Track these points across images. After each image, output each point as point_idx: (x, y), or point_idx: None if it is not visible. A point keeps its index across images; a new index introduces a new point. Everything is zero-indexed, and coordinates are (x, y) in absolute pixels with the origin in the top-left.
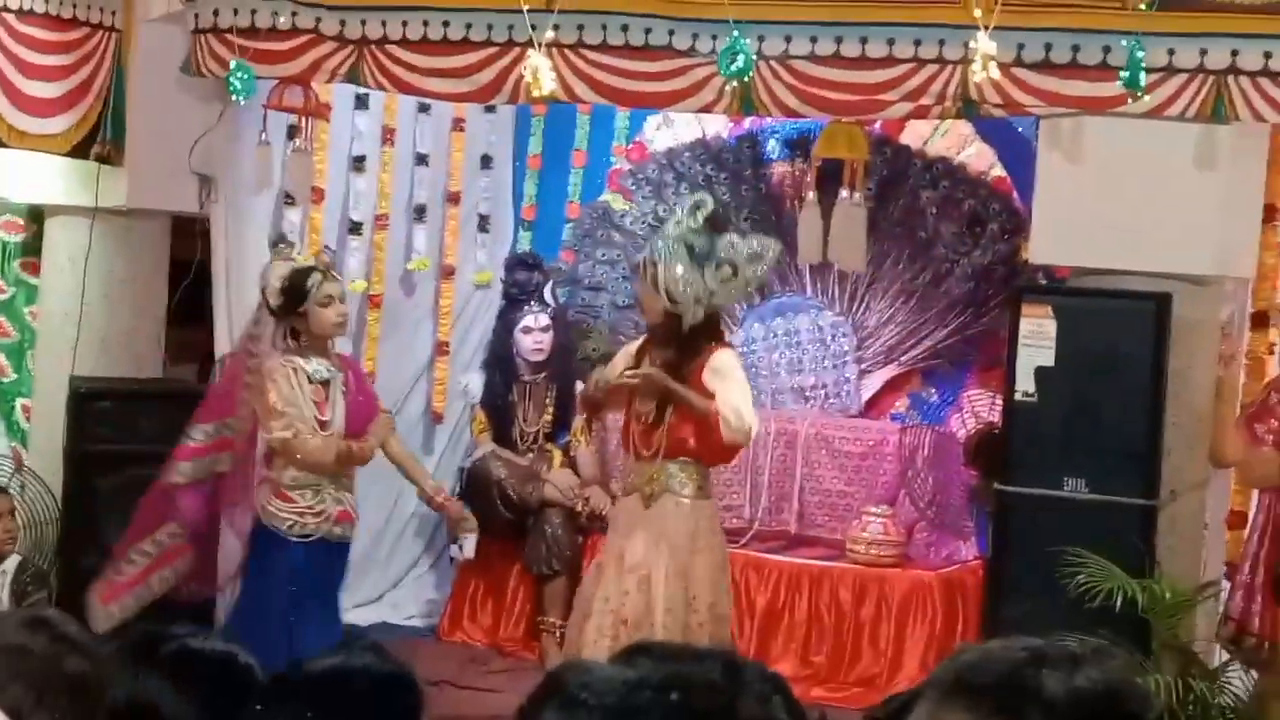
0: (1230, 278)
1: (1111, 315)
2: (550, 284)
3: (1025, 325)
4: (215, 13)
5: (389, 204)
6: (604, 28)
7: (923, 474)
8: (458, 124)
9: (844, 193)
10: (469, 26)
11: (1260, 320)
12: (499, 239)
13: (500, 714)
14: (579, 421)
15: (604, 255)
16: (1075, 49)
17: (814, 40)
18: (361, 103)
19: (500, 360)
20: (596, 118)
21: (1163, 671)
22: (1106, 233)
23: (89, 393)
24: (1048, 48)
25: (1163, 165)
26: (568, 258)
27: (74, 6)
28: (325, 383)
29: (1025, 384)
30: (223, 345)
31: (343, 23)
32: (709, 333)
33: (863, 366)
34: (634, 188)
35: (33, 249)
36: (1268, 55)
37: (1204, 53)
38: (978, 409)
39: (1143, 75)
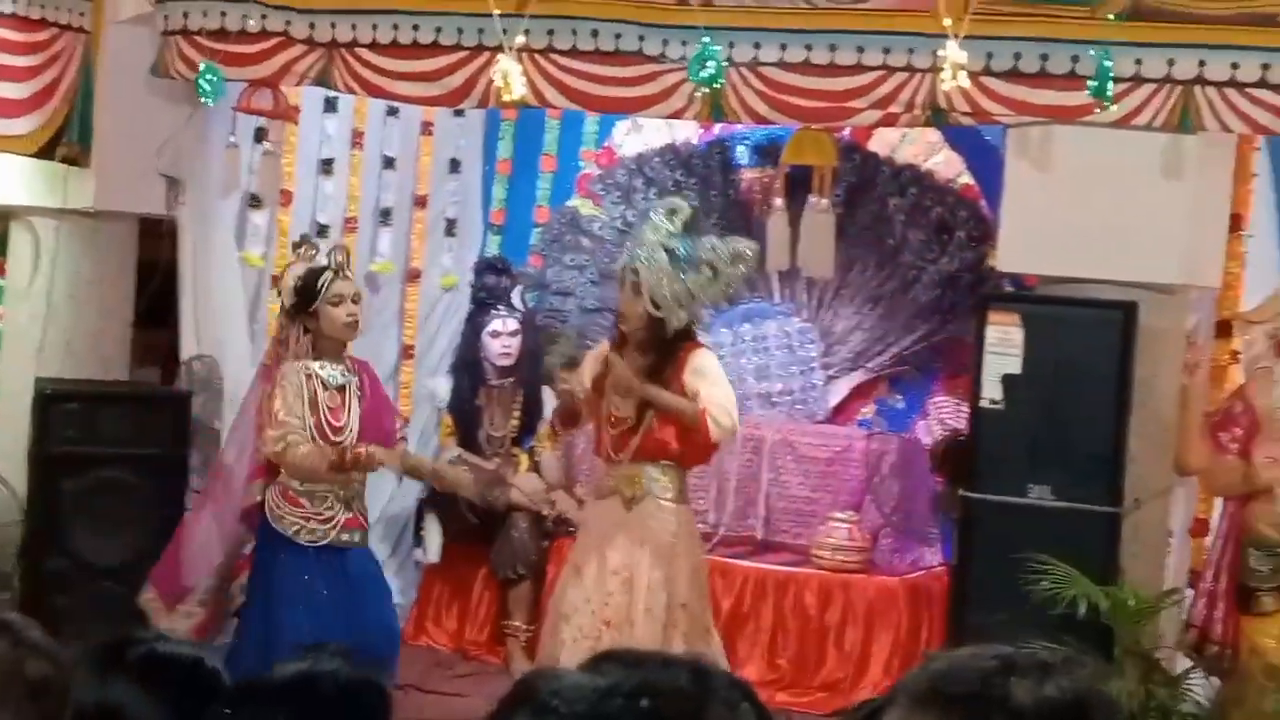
0: (1196, 286)
1: (1078, 323)
2: (518, 288)
3: (992, 333)
4: (185, 15)
5: (357, 207)
6: (574, 33)
7: (888, 480)
8: (426, 127)
9: (812, 199)
10: (439, 30)
11: (1225, 329)
12: (466, 243)
13: (465, 718)
14: (545, 426)
15: (572, 260)
16: (1044, 58)
17: (784, 47)
18: (330, 106)
19: (467, 364)
20: (566, 122)
21: (1125, 679)
22: (1073, 241)
23: (55, 395)
24: (1016, 57)
25: (1130, 175)
26: (536, 262)
27: (42, 7)
28: (341, 388)
29: (992, 391)
30: (189, 348)
31: (312, 26)
32: (685, 334)
33: (830, 373)
34: (603, 193)
35: None
36: (1234, 66)
37: (1171, 63)
38: (944, 416)
39: (1110, 85)
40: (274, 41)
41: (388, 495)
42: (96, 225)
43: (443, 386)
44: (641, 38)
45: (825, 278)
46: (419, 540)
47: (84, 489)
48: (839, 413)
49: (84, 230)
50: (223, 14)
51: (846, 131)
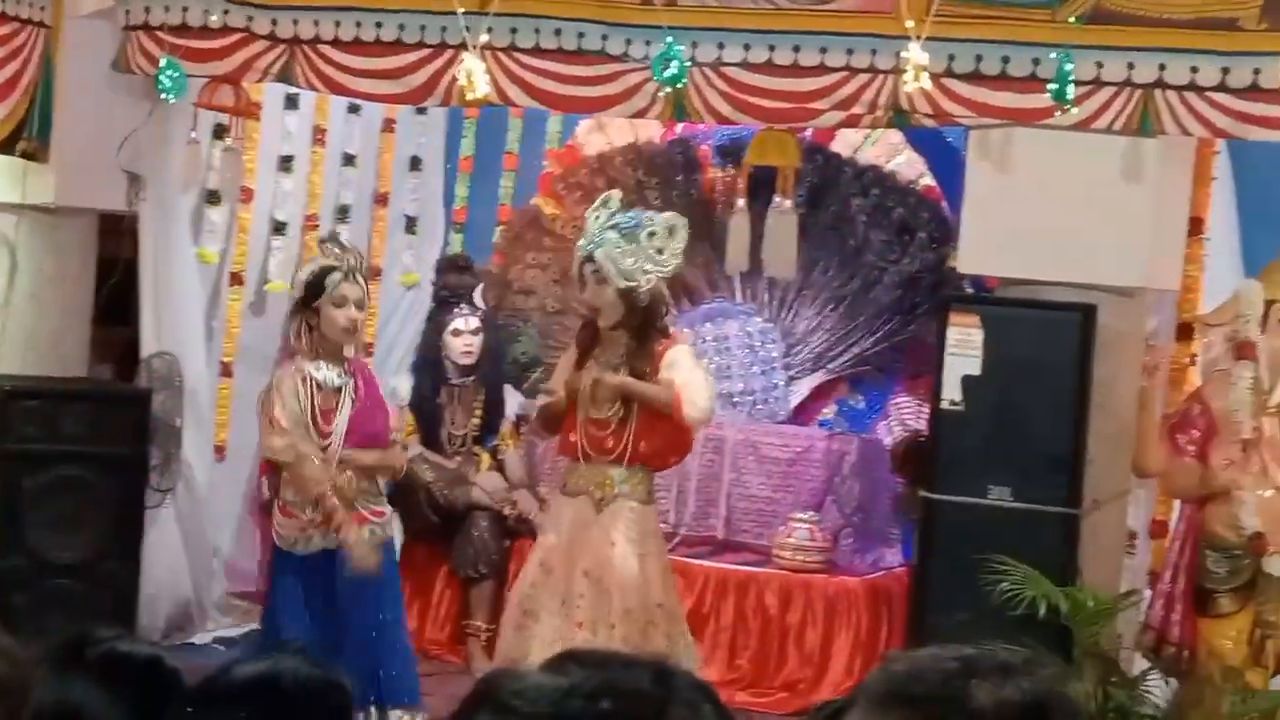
0: (1155, 289)
1: (1038, 325)
2: (480, 287)
3: (953, 334)
4: (146, 10)
5: (319, 204)
6: (537, 31)
7: (849, 481)
8: (388, 125)
9: (776, 200)
10: (401, 28)
11: (1185, 331)
12: (427, 240)
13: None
14: (507, 425)
15: (534, 259)
16: (1005, 60)
17: (747, 48)
18: (292, 102)
19: (429, 363)
20: (529, 121)
21: (1084, 679)
22: (1034, 243)
23: (14, 392)
24: (978, 59)
25: (1090, 177)
26: (498, 261)
27: (3, 1)
28: (337, 390)
29: (952, 392)
30: (149, 345)
31: (274, 22)
32: (660, 329)
33: (791, 373)
34: (565, 192)
35: None
36: (1194, 70)
37: (1131, 66)
38: (905, 417)
39: (1071, 88)
40: (235, 37)
41: None
42: (56, 221)
43: (404, 385)
44: (605, 37)
45: (787, 278)
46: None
47: (44, 486)
48: (800, 413)
49: (44, 226)
50: (184, 9)
51: (809, 132)
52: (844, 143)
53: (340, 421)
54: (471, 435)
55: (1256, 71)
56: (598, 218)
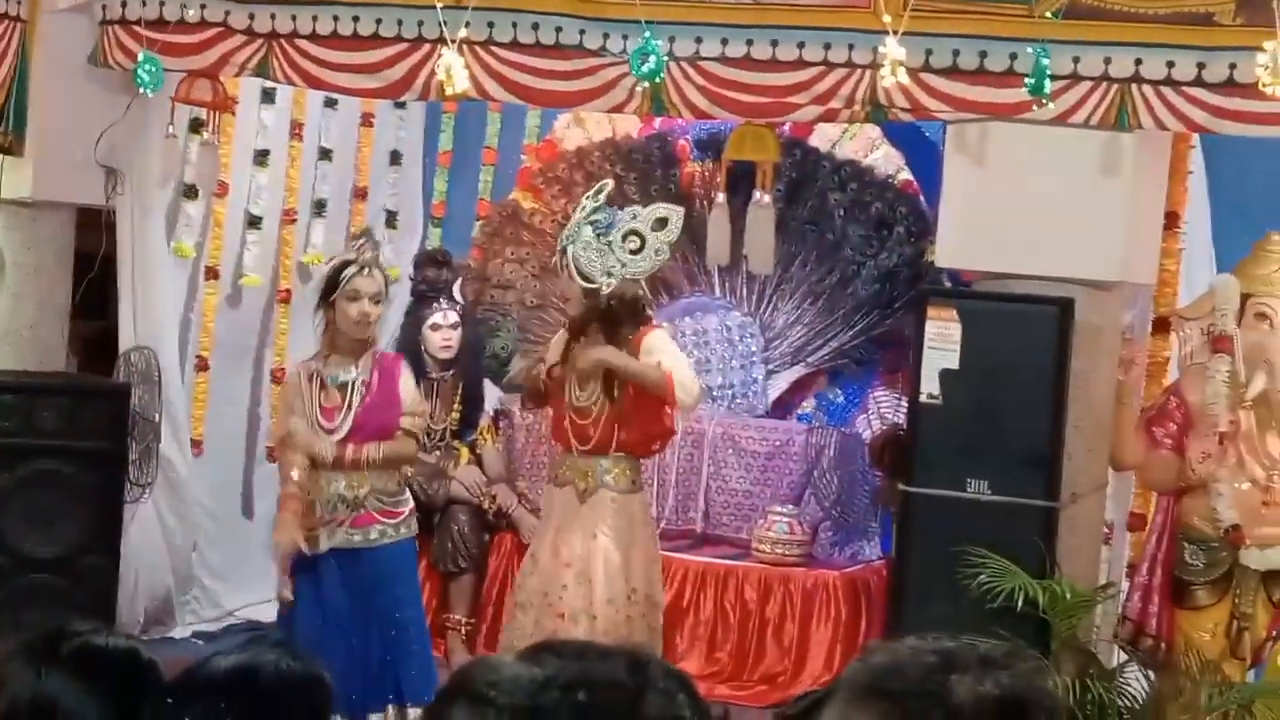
0: (1132, 283)
1: (1015, 319)
2: (459, 281)
3: (930, 328)
4: (123, 4)
5: (295, 199)
6: (514, 25)
7: (828, 474)
8: (366, 119)
9: (755, 194)
10: (379, 22)
11: (1161, 325)
12: (407, 235)
13: None
14: (486, 419)
15: (513, 254)
16: (982, 55)
17: (725, 42)
18: (268, 97)
19: (408, 357)
20: (507, 116)
21: (1062, 672)
22: (1011, 237)
23: None
24: (955, 54)
25: (1067, 171)
26: (477, 255)
27: None
28: (343, 386)
29: (930, 386)
30: (127, 340)
31: (252, 16)
32: (634, 317)
33: (770, 367)
34: (543, 186)
35: None
36: (1170, 64)
37: (1108, 61)
38: (883, 410)
39: (1048, 82)
40: (213, 32)
41: None
42: (34, 215)
43: None
44: (582, 31)
45: (766, 272)
46: None
47: (21, 481)
48: (779, 407)
49: (21, 220)
50: (161, 3)
51: (787, 127)
52: (822, 137)
53: (344, 418)
54: (450, 429)
55: (1232, 66)
56: (583, 209)
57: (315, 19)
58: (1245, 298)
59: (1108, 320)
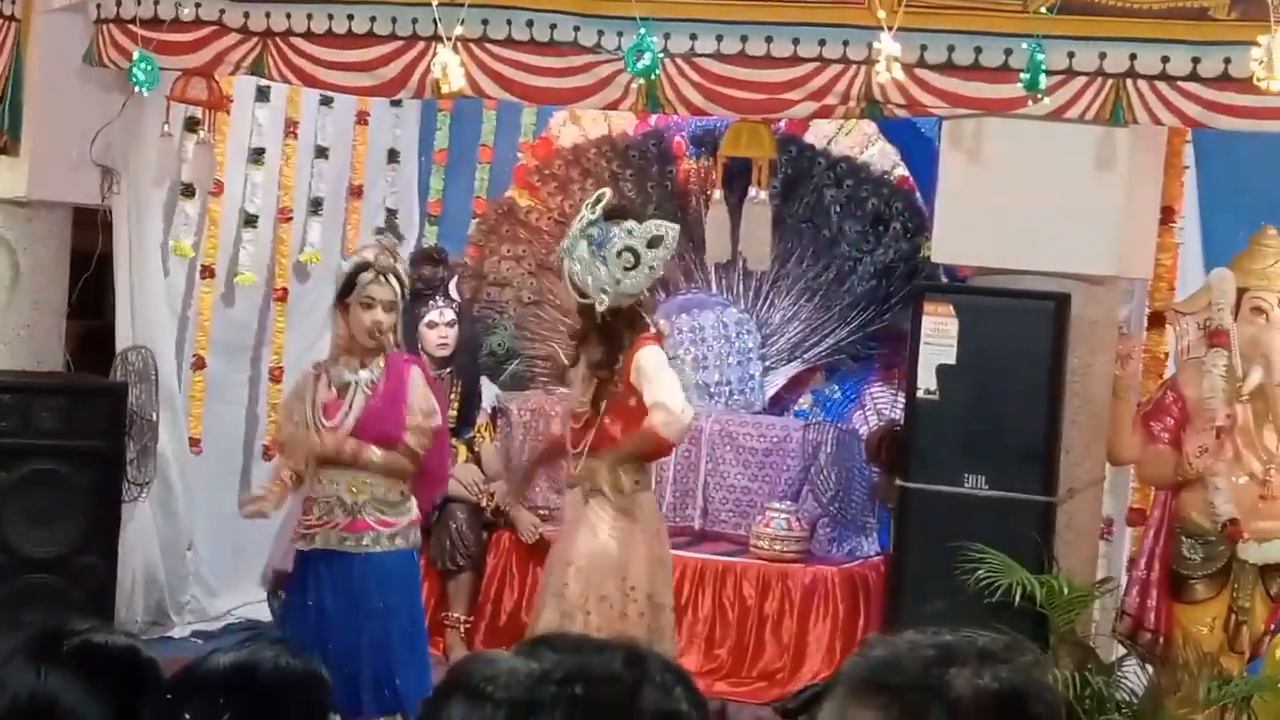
0: (1128, 278)
1: (1012, 314)
2: (455, 279)
3: (927, 323)
4: (118, 3)
5: (291, 197)
6: (509, 23)
7: (826, 470)
8: (361, 117)
9: (751, 191)
10: (373, 20)
11: (1157, 320)
12: (404, 233)
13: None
14: (483, 417)
15: (509, 251)
16: (977, 51)
17: (720, 39)
18: (263, 95)
19: None
20: (503, 113)
21: (1060, 666)
22: (1007, 232)
23: None
24: (950, 49)
25: (1063, 167)
26: (473, 253)
27: None
28: (345, 386)
29: (927, 382)
30: (124, 339)
31: (246, 15)
32: (631, 326)
33: (767, 363)
34: (539, 184)
35: None
36: (1165, 59)
37: (1103, 56)
38: (880, 406)
39: (1043, 78)
40: (208, 30)
41: None
42: (30, 214)
43: None
44: (577, 28)
45: (763, 269)
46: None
47: (18, 481)
48: (776, 403)
49: (18, 220)
50: (156, 2)
51: (782, 123)
52: (817, 133)
53: (346, 416)
54: (447, 427)
55: (1227, 61)
56: (581, 219)
57: (310, 17)
58: (1241, 292)
59: (1104, 315)
